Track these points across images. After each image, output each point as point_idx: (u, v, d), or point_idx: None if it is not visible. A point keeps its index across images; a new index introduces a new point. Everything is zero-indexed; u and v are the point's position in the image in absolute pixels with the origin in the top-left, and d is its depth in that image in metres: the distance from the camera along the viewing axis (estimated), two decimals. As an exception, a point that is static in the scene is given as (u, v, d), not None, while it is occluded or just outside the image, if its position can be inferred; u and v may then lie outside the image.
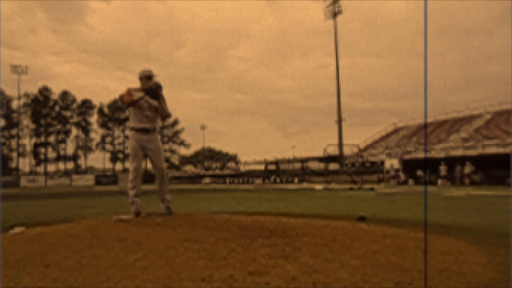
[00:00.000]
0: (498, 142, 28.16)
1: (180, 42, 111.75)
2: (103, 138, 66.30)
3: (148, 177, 26.15)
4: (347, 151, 39.44)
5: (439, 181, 25.21)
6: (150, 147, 4.52)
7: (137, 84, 4.61)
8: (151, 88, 4.42)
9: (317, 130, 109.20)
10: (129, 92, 4.44)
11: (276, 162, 41.57)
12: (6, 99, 59.24)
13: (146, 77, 4.55)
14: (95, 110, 65.61)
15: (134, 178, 4.46)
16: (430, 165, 27.54)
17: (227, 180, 40.07)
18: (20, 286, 2.05)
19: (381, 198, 11.16)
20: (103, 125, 65.88)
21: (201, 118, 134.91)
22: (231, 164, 54.06)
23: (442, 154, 29.19)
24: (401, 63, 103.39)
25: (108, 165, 66.66)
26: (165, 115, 4.67)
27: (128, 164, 64.89)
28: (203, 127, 66.35)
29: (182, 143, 70.52)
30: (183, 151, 74.01)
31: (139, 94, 4.41)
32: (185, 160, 76.27)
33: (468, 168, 24.84)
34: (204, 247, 2.76)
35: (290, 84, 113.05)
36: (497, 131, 32.35)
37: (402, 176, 28.67)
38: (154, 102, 4.53)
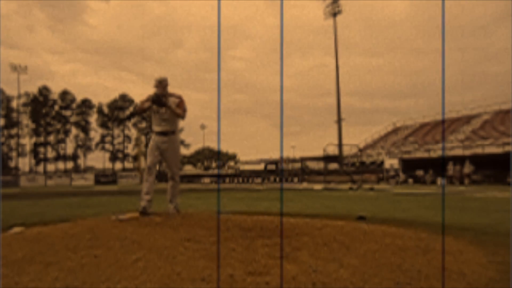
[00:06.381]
0: (498, 142, 28.18)
1: (179, 41, 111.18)
2: (102, 138, 66.22)
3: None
4: (346, 150, 39.46)
5: (441, 181, 25.20)
6: (165, 148, 4.74)
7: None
8: (154, 97, 4.63)
9: (317, 129, 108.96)
10: (146, 98, 4.72)
11: (276, 162, 41.57)
12: (5, 99, 59.19)
13: (156, 86, 4.71)
14: (95, 109, 65.60)
15: (147, 174, 4.67)
16: (431, 164, 27.56)
17: (227, 180, 40.12)
18: (19, 286, 2.04)
19: (387, 198, 11.16)
20: (103, 124, 65.78)
21: (201, 118, 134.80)
22: (232, 163, 54.08)
23: (440, 154, 29.19)
24: (401, 63, 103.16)
25: (108, 164, 66.70)
26: (180, 117, 4.82)
27: (127, 164, 65.25)
28: (203, 127, 66.45)
29: (181, 142, 70.46)
30: (183, 151, 74.05)
31: (148, 103, 4.68)
32: (185, 160, 76.29)
33: (467, 168, 24.83)
34: (204, 247, 2.76)
35: (290, 84, 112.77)
36: (496, 131, 32.39)
37: (401, 175, 28.70)
38: (163, 109, 4.67)
